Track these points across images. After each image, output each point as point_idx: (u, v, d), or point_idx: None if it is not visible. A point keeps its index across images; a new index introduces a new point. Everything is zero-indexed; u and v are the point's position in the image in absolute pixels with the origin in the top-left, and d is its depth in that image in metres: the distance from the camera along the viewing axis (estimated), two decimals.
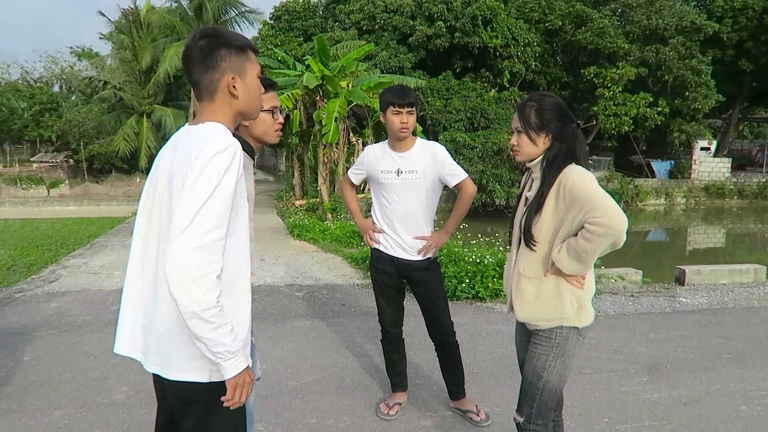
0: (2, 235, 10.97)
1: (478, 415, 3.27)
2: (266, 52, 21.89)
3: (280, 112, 2.36)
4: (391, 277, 3.21)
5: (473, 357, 4.20)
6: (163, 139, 29.02)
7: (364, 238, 3.28)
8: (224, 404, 1.63)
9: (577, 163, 2.05)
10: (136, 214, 1.81)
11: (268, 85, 2.29)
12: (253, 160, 2.34)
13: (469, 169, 18.43)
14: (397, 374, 3.41)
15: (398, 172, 3.04)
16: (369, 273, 7.64)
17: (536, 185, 2.14)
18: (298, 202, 16.30)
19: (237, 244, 1.67)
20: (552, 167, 2.07)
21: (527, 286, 2.14)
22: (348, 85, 14.70)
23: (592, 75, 22.18)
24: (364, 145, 15.99)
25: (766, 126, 39.68)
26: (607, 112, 22.03)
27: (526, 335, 2.29)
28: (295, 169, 18.35)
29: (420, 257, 3.12)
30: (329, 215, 13.97)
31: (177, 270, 1.46)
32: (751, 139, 38.74)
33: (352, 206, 3.40)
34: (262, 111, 2.24)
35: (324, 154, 14.96)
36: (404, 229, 3.09)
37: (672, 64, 22.13)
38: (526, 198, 2.20)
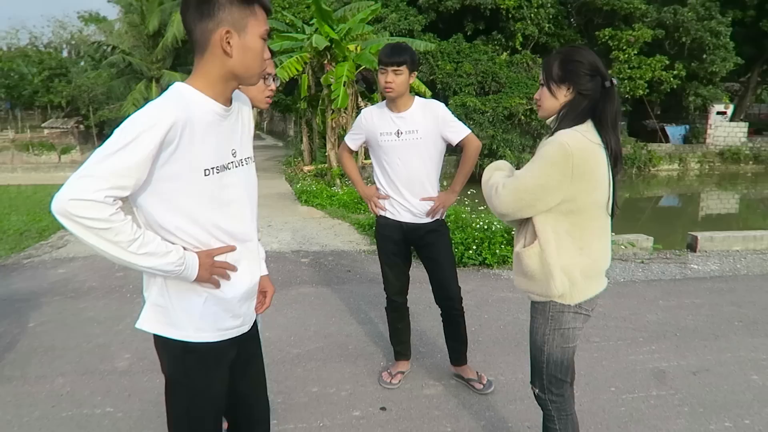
0: (15, 200, 11.01)
1: (480, 383, 3.23)
2: (275, 15, 21.51)
3: (274, 80, 2.27)
4: (397, 244, 3.14)
5: (479, 324, 4.15)
6: None
7: (369, 206, 3.19)
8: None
9: (598, 126, 1.90)
10: None
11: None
12: None
13: (480, 134, 18.13)
14: (400, 343, 3.37)
15: (398, 133, 2.94)
16: (375, 239, 7.63)
17: None
18: (306, 168, 16.22)
19: (209, 223, 1.58)
20: (562, 123, 1.92)
21: (515, 257, 2.07)
22: (356, 49, 14.43)
23: (607, 37, 21.58)
24: None
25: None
26: (621, 76, 21.48)
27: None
28: (303, 134, 18.22)
29: (429, 219, 3.05)
30: (338, 181, 13.89)
31: (67, 208, 1.34)
32: None
33: (352, 174, 3.30)
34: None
35: (332, 119, 14.80)
36: (410, 192, 3.01)
37: (690, 25, 21.46)
38: None
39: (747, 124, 25.44)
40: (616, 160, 1.91)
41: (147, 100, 25.00)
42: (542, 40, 22.38)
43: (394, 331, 3.35)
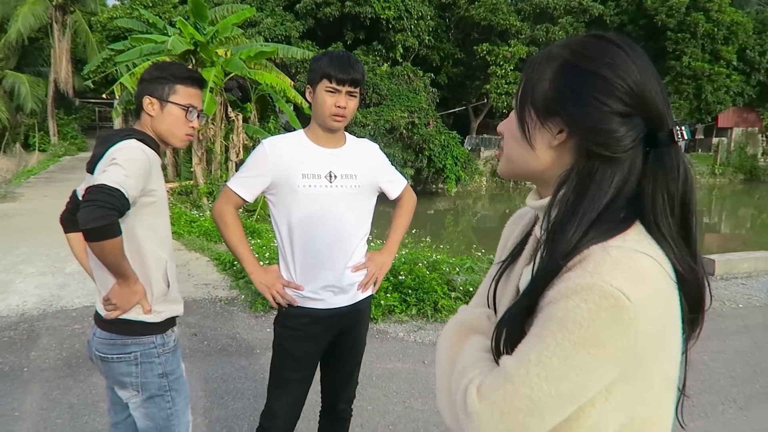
0: None
1: None
2: (134, 13, 19.47)
3: (198, 116, 1.90)
4: (319, 344, 2.11)
5: (359, 424, 3.10)
6: (17, 110, 25.44)
7: (270, 298, 2.05)
8: None
9: (653, 235, 0.83)
10: None
11: (194, 80, 1.91)
12: (159, 158, 1.89)
13: None
14: None
15: (330, 176, 2.02)
16: (239, 281, 6.39)
17: (533, 255, 0.94)
18: (169, 185, 14.44)
19: None
20: (579, 227, 0.81)
21: None
22: (226, 54, 13.10)
23: (484, 52, 21.81)
24: (246, 121, 14.42)
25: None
26: (499, 91, 21.82)
27: None
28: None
29: (361, 296, 2.14)
30: (204, 200, 12.42)
31: None
32: None
33: (240, 247, 2.06)
34: (174, 104, 1.85)
35: (199, 131, 13.30)
36: (341, 261, 2.06)
37: None
38: (518, 281, 0.99)
39: None
40: (696, 303, 0.85)
41: None
42: (422, 52, 22.19)
43: None
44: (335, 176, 2.02)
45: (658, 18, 24.71)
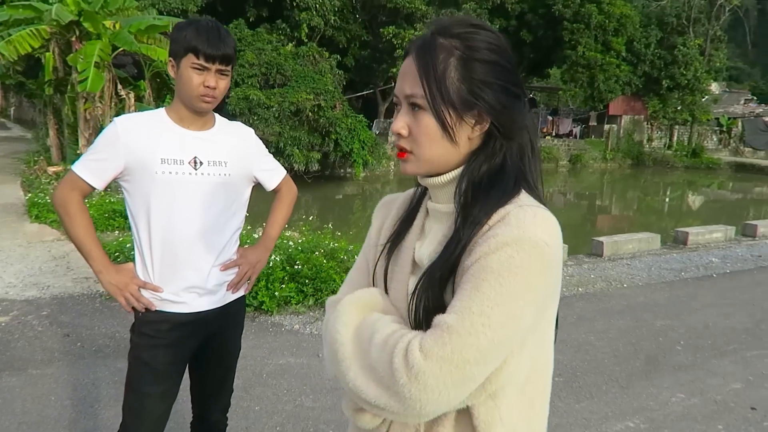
0: None
1: None
2: None
3: None
4: (181, 352, 1.88)
5: (245, 427, 2.90)
6: None
7: (123, 302, 1.80)
8: None
9: (529, 192, 0.97)
10: None
11: None
12: None
13: (266, 130, 16.87)
14: None
15: (196, 163, 1.81)
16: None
17: (439, 228, 1.02)
18: (52, 169, 13.25)
19: None
20: (490, 195, 0.94)
21: None
22: (114, 26, 12.20)
23: (391, 35, 21.72)
24: (139, 100, 13.51)
25: (538, 94, 43.86)
26: None
27: None
28: (50, 126, 15.04)
29: (231, 297, 1.95)
30: None
31: None
32: None
33: (87, 242, 1.79)
34: None
35: (86, 110, 12.38)
36: (207, 259, 1.85)
37: None
38: (412, 255, 1.04)
39: None
40: None
41: None
42: (329, 32, 21.82)
43: None
44: (201, 163, 1.81)
45: (555, 8, 25.68)
